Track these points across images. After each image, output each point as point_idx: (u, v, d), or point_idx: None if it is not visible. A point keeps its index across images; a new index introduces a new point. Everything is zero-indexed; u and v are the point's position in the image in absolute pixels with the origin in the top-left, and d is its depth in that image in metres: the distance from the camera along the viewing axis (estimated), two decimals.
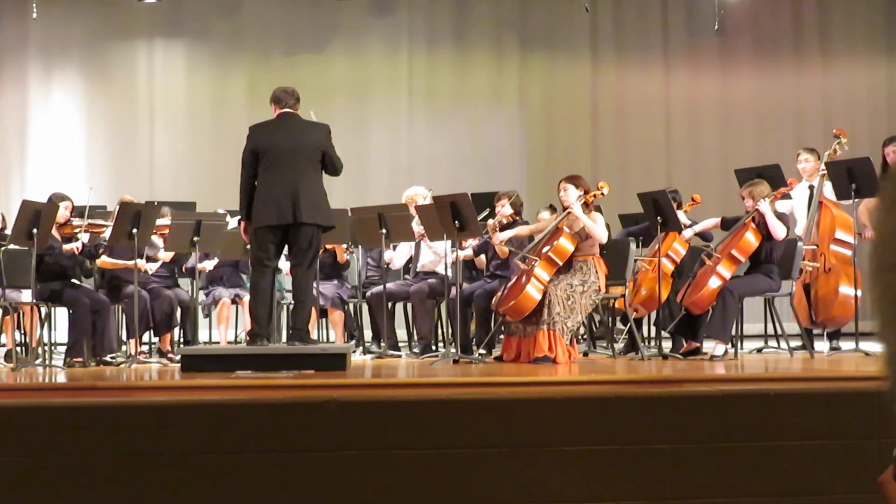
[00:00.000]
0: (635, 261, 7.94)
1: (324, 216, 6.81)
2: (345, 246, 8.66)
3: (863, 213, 7.90)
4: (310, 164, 6.79)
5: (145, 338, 8.24)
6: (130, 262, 7.45)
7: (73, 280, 7.61)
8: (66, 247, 7.41)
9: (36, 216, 6.98)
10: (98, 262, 7.78)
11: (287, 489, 4.71)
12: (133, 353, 7.70)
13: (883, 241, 1.64)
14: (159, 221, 7.73)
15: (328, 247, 8.56)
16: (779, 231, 7.11)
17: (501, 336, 7.68)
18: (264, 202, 6.76)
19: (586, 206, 7.28)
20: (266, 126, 6.96)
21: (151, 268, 7.99)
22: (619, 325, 8.51)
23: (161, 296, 8.00)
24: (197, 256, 7.93)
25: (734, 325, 7.25)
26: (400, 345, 8.64)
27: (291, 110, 6.94)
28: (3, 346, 8.21)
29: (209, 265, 8.51)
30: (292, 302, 7.31)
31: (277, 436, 4.75)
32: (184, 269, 8.51)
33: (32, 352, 7.62)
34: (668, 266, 7.93)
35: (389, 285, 8.30)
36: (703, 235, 7.99)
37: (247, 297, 7.80)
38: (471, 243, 8.21)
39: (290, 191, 6.68)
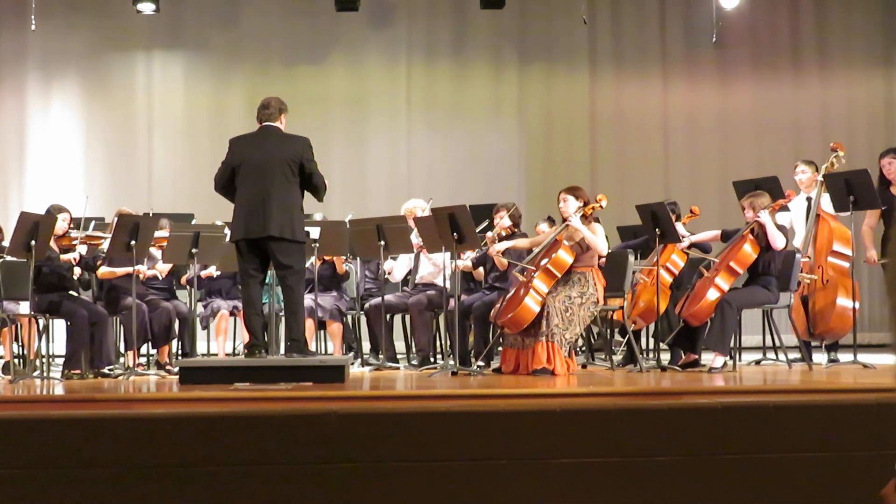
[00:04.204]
0: (634, 273, 7.94)
1: (293, 231, 6.73)
2: (343, 257, 8.66)
3: (866, 234, 7.90)
4: (283, 176, 6.73)
5: (143, 350, 8.23)
6: (130, 269, 7.45)
7: (72, 292, 7.61)
8: (64, 257, 7.42)
9: (34, 228, 6.98)
10: (98, 272, 7.78)
11: (286, 502, 4.70)
12: (131, 365, 7.69)
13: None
14: (157, 233, 7.73)
15: (327, 258, 8.56)
16: (778, 241, 7.13)
17: (500, 348, 7.68)
18: (237, 215, 6.82)
19: (585, 217, 7.29)
20: (243, 140, 6.99)
21: (158, 273, 8.00)
22: (618, 337, 8.51)
23: (159, 308, 8.00)
24: (195, 269, 7.93)
25: (733, 337, 7.25)
26: (398, 357, 8.64)
27: (270, 122, 6.91)
28: (1, 357, 8.20)
29: (214, 271, 8.49)
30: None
31: (276, 448, 4.74)
32: (183, 281, 8.50)
33: (30, 364, 7.61)
34: (667, 278, 7.93)
35: (388, 297, 8.30)
36: (702, 247, 7.99)
37: None
38: (469, 254, 8.21)
39: (261, 204, 6.69)
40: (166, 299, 8.22)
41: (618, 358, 8.05)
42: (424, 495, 4.74)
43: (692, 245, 7.87)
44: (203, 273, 8.35)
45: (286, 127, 6.98)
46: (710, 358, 7.15)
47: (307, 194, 6.92)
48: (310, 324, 7.90)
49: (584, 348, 8.48)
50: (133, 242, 7.22)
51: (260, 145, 6.85)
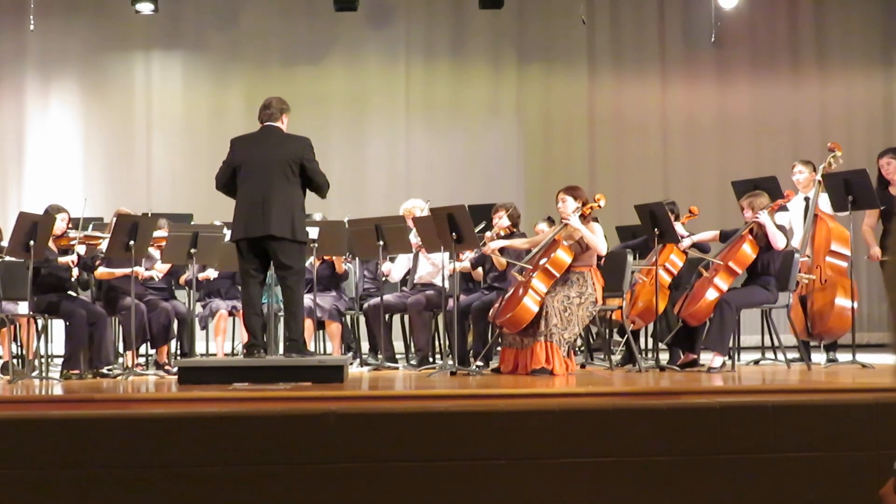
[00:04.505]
0: (632, 273, 7.94)
1: (294, 231, 6.71)
2: (343, 257, 8.65)
3: (867, 233, 7.92)
4: (283, 177, 6.72)
5: (142, 350, 8.23)
6: (128, 270, 7.45)
7: (70, 292, 7.61)
8: (62, 259, 7.41)
9: (33, 228, 6.97)
10: (96, 273, 7.79)
11: (285, 502, 4.70)
12: (130, 365, 7.68)
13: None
14: (156, 233, 7.73)
15: (326, 258, 8.56)
16: (779, 241, 7.13)
17: (499, 348, 7.68)
18: (237, 215, 6.82)
19: (583, 217, 7.29)
20: (244, 139, 6.98)
21: (157, 275, 8.00)
22: (617, 337, 8.51)
23: (158, 308, 7.99)
24: (194, 270, 7.93)
25: (731, 337, 7.25)
26: (397, 357, 8.63)
27: (271, 123, 6.91)
28: (0, 358, 8.19)
29: (212, 273, 8.50)
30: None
31: (275, 448, 4.74)
32: (182, 282, 8.50)
33: (29, 364, 7.60)
34: (665, 278, 7.93)
35: (387, 297, 8.30)
36: (701, 247, 8.00)
37: None
38: (468, 255, 8.22)
39: (261, 204, 6.68)
40: (165, 299, 8.22)
41: (616, 358, 8.05)
42: (423, 495, 4.75)
43: (691, 245, 7.88)
44: (200, 276, 8.36)
45: (287, 127, 6.98)
46: (708, 358, 7.15)
47: (309, 193, 6.92)
48: (309, 324, 7.89)
49: (582, 348, 8.48)
50: (132, 242, 7.22)
51: (261, 145, 6.84)
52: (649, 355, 8.41)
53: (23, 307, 7.71)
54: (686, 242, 7.77)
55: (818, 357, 8.01)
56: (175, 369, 7.17)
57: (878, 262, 7.85)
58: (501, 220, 8.00)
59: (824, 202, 7.86)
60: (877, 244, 7.83)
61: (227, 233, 7.87)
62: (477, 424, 4.85)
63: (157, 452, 4.70)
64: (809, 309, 7.81)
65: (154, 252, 7.98)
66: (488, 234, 7.92)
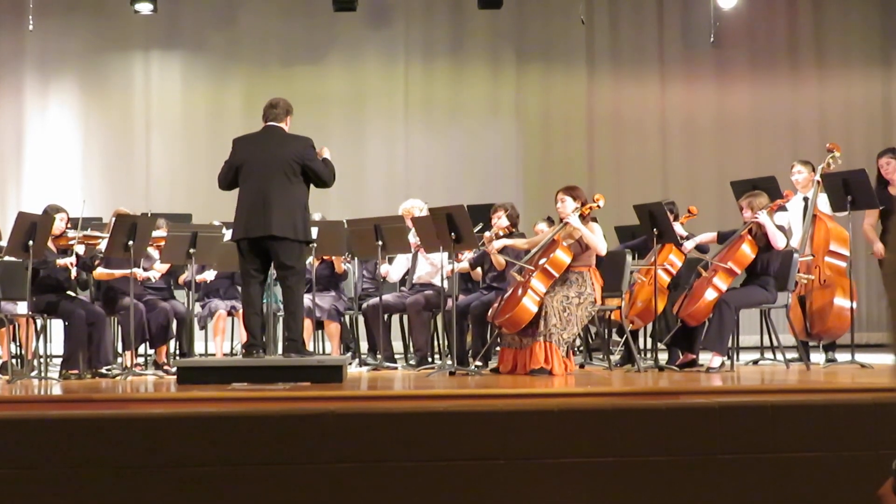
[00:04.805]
0: (631, 273, 7.94)
1: (295, 230, 6.73)
2: (342, 257, 8.65)
3: (869, 231, 7.93)
4: (284, 176, 6.73)
5: (141, 350, 8.23)
6: (127, 271, 7.44)
7: (69, 292, 7.60)
8: (60, 262, 7.39)
9: (32, 228, 6.97)
10: (95, 273, 7.78)
11: (284, 502, 4.70)
12: (129, 365, 7.68)
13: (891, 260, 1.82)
14: (155, 233, 7.73)
15: (325, 258, 8.56)
16: (779, 241, 7.13)
17: (498, 348, 7.68)
18: (238, 215, 6.82)
19: (582, 217, 7.29)
20: (246, 139, 6.99)
21: (154, 276, 7.99)
22: (616, 337, 8.51)
23: (157, 308, 7.99)
24: (193, 270, 7.93)
25: (730, 337, 7.25)
26: (396, 357, 8.64)
27: (274, 123, 6.91)
28: None
29: (209, 276, 8.50)
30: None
31: (273, 448, 4.74)
32: (180, 282, 8.50)
33: (28, 364, 7.60)
34: (665, 278, 7.93)
35: (386, 297, 8.30)
36: (700, 247, 8.01)
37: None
38: (467, 256, 8.22)
39: (262, 203, 6.69)
40: (164, 299, 8.21)
41: (615, 358, 8.05)
42: (422, 495, 4.74)
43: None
44: (198, 277, 8.35)
45: (289, 129, 6.98)
46: (707, 358, 7.15)
47: (311, 192, 6.93)
48: (308, 324, 7.89)
49: (581, 348, 8.47)
50: (131, 242, 7.21)
51: (262, 145, 6.85)
52: (648, 355, 8.41)
53: (22, 307, 7.71)
54: (689, 245, 7.75)
55: (817, 357, 8.01)
56: (174, 369, 7.17)
57: (879, 259, 7.86)
58: (500, 220, 8.00)
59: (823, 202, 7.86)
60: (879, 241, 7.84)
61: (227, 233, 7.87)
62: (476, 425, 4.85)
63: (156, 452, 4.70)
64: (808, 309, 7.82)
65: (153, 252, 7.98)
66: (487, 234, 7.92)
